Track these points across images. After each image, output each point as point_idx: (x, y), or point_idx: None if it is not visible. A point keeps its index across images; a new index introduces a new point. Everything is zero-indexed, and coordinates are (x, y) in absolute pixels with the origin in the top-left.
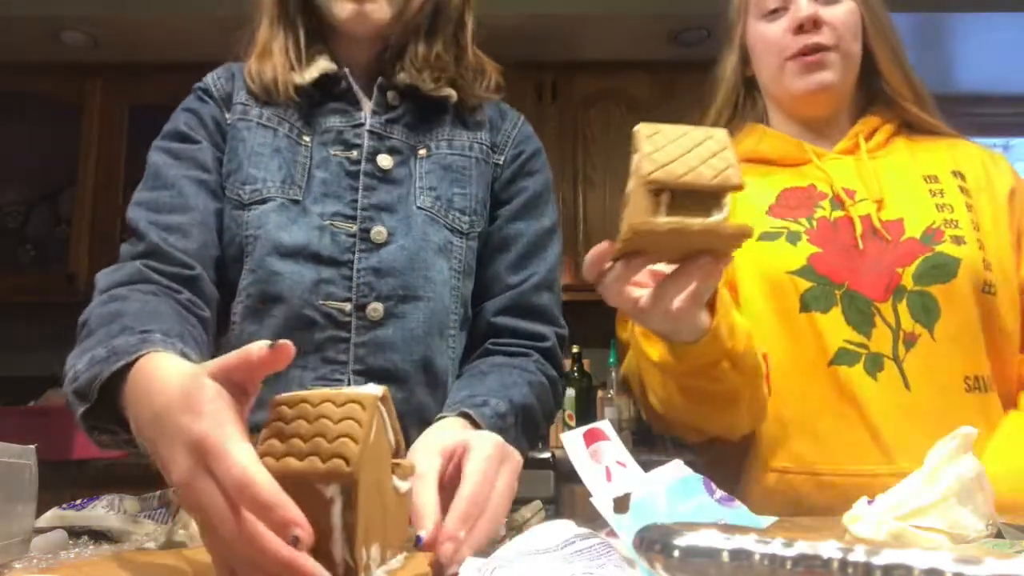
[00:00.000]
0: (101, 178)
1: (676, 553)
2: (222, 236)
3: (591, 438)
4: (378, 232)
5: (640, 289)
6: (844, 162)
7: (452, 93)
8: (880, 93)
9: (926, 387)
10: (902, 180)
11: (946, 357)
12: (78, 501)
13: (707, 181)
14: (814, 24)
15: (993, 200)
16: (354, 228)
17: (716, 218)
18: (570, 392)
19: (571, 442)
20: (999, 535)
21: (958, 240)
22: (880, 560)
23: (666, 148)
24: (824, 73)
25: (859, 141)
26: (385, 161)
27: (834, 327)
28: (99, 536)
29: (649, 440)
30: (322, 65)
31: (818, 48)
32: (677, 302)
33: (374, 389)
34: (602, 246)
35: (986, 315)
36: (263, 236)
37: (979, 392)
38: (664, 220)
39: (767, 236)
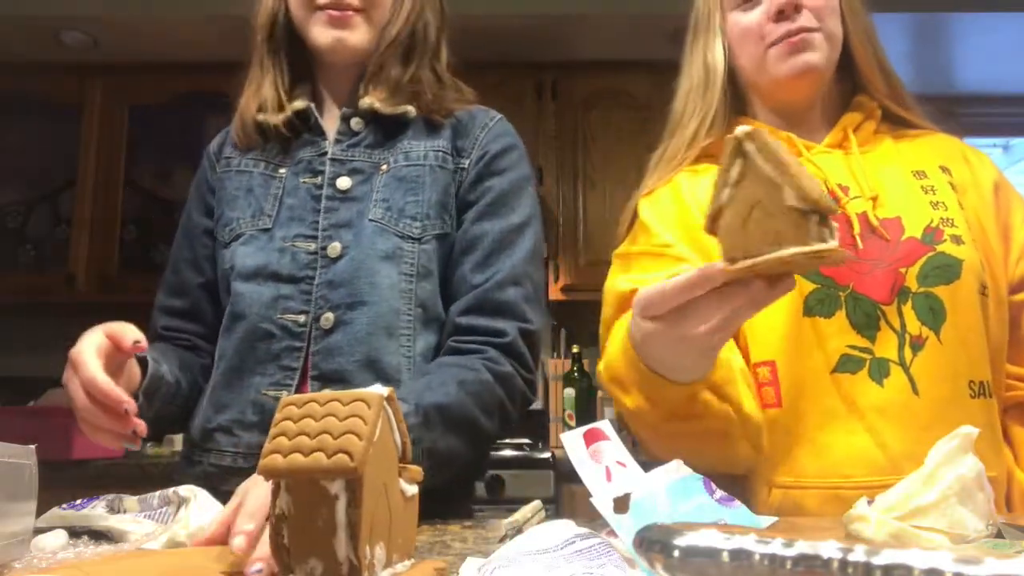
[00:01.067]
0: (101, 178)
1: (676, 553)
2: (216, 279)
3: (591, 438)
4: (333, 248)
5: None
6: (834, 156)
7: (410, 109)
8: (855, 86)
9: (934, 392)
10: (893, 176)
11: (952, 361)
12: (78, 501)
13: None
14: (795, 9)
15: (980, 196)
16: (314, 246)
17: (832, 244)
18: (570, 392)
19: (571, 442)
20: (999, 535)
21: (957, 239)
22: (880, 560)
23: (800, 172)
24: (809, 54)
25: (848, 134)
26: (344, 183)
27: (837, 332)
28: (99, 536)
29: None
30: (296, 105)
31: (801, 30)
32: (705, 328)
33: (380, 389)
34: (713, 268)
35: (986, 318)
36: (235, 266)
37: (984, 398)
38: (812, 248)
39: None
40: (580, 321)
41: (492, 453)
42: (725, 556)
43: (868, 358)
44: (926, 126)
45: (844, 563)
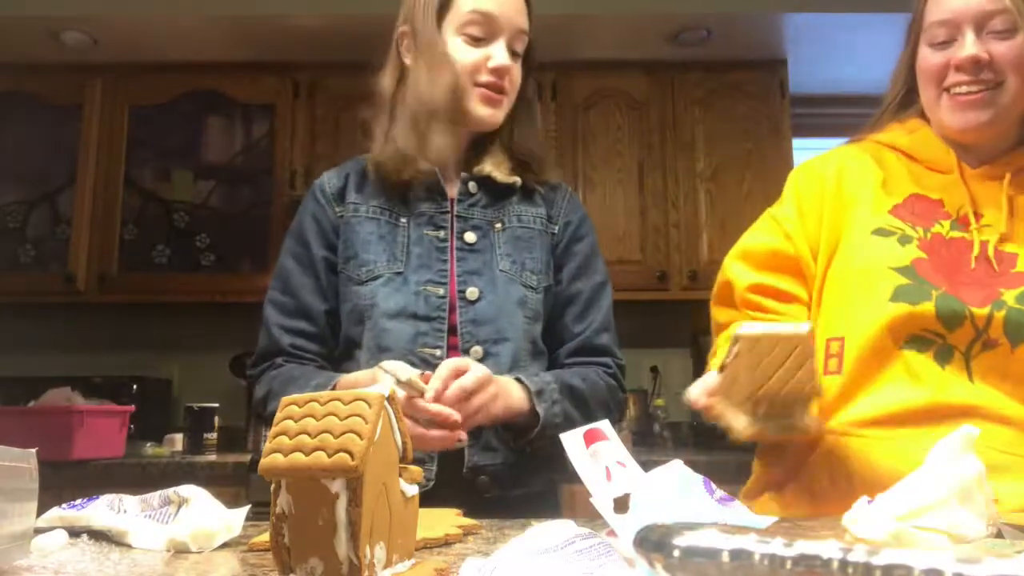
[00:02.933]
0: (101, 178)
1: (676, 553)
2: (338, 309)
3: (591, 438)
4: (472, 292)
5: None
6: (986, 186)
7: (517, 180)
8: None
9: (989, 387)
10: None
11: (1018, 370)
12: (78, 501)
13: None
14: (977, 65)
15: None
16: (443, 291)
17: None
18: None
19: (571, 442)
20: (999, 535)
21: None
22: (880, 560)
23: (763, 364)
24: (978, 113)
25: (1006, 172)
26: (470, 237)
27: (920, 317)
28: (99, 536)
29: (649, 440)
30: (423, 167)
31: (977, 89)
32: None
33: (381, 388)
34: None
35: None
36: (377, 304)
37: None
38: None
39: (881, 232)
40: None
41: None
42: (725, 556)
43: (939, 342)
44: None
45: (844, 563)
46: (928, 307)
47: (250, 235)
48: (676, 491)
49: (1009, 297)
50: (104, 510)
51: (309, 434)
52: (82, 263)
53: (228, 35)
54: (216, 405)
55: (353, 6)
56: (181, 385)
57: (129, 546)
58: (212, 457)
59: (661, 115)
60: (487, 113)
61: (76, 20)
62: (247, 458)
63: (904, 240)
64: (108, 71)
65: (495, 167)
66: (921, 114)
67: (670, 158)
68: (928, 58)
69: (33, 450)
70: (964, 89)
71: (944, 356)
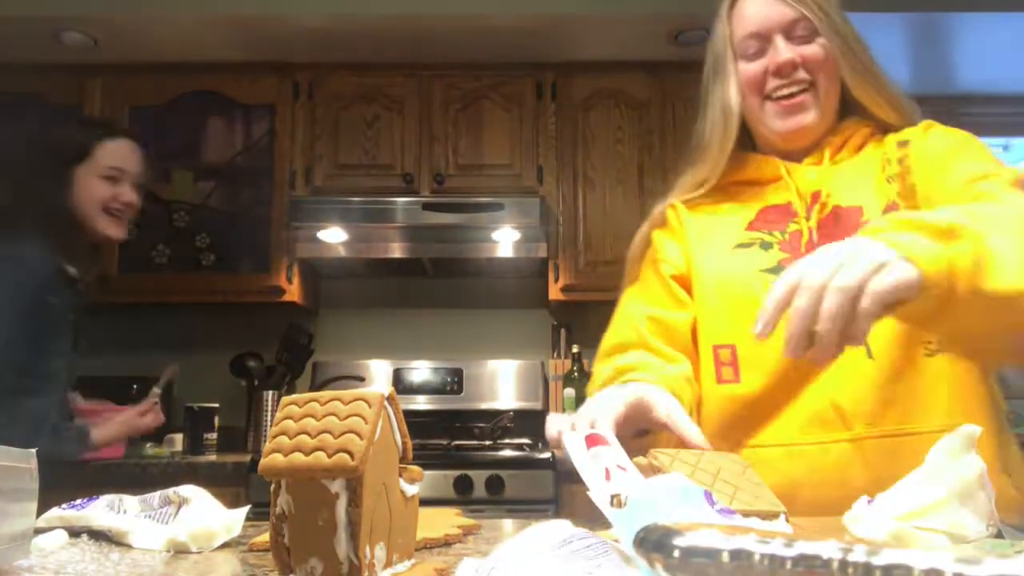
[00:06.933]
0: None
1: (676, 553)
2: None
3: (592, 442)
4: None
5: None
6: (808, 169)
7: None
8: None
9: (887, 355)
10: (864, 173)
11: (905, 327)
12: (78, 501)
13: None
14: (792, 67)
15: (926, 157)
16: None
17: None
18: (570, 392)
19: (571, 443)
20: (999, 535)
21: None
22: (880, 560)
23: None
24: (803, 115)
25: (824, 154)
26: None
27: None
28: (99, 536)
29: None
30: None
31: (797, 89)
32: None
33: (381, 389)
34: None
35: None
36: None
37: (940, 355)
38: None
39: (742, 246)
40: (580, 321)
41: (492, 453)
42: (725, 556)
43: None
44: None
45: (844, 563)
46: None
47: (250, 235)
48: (678, 496)
49: None
50: (104, 510)
51: (309, 434)
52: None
53: (228, 35)
54: (216, 405)
55: (353, 6)
56: (181, 385)
57: (129, 546)
58: (212, 457)
59: (661, 115)
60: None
61: (76, 20)
62: (247, 458)
63: (765, 246)
64: (108, 71)
65: None
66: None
67: (670, 158)
68: (747, 69)
69: (33, 451)
70: (785, 92)
71: None
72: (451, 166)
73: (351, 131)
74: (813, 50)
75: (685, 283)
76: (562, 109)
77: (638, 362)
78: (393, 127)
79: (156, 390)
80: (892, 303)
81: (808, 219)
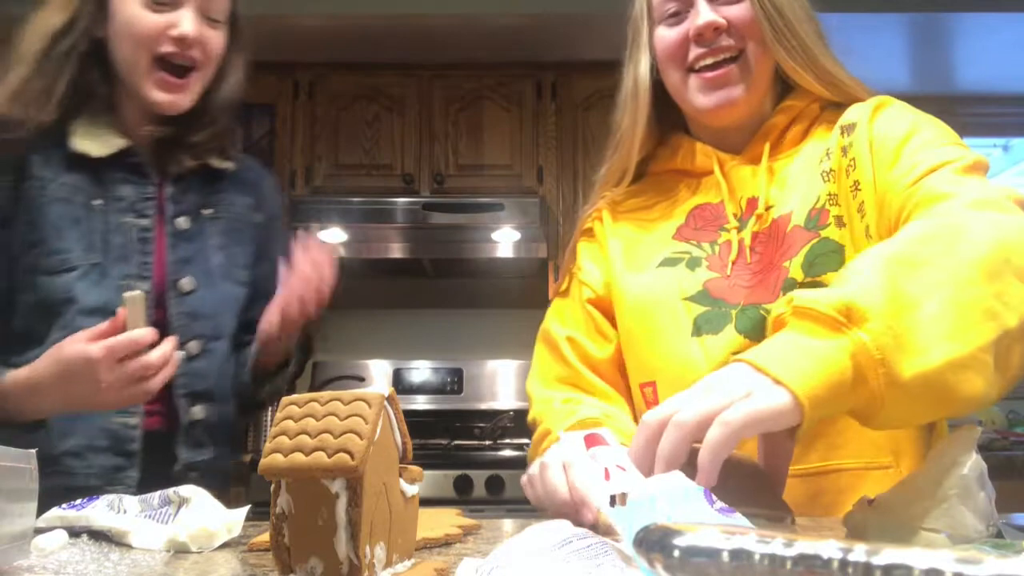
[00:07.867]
0: None
1: (676, 553)
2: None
3: (590, 442)
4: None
5: None
6: (744, 171)
7: (231, 165)
8: (792, 88)
9: None
10: (804, 167)
11: None
12: (78, 501)
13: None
14: (715, 32)
15: (872, 141)
16: (147, 285)
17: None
18: None
19: (570, 442)
20: (999, 535)
21: (839, 222)
22: (880, 560)
23: None
24: (730, 89)
25: (764, 148)
26: (182, 223)
27: (725, 344)
28: (99, 536)
29: None
30: (116, 142)
31: (721, 58)
32: None
33: (381, 389)
34: None
35: None
36: (74, 300)
37: None
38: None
39: (668, 262)
40: None
41: (492, 453)
42: (725, 556)
43: None
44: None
45: (844, 563)
46: (731, 331)
47: None
48: (675, 496)
49: (795, 271)
50: (104, 510)
51: (309, 434)
52: None
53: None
54: None
55: (353, 6)
56: None
57: (129, 546)
58: None
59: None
60: (163, 98)
61: None
62: (247, 458)
63: (693, 264)
64: None
65: (204, 155)
66: (679, 128)
67: None
68: (665, 36)
69: (33, 451)
70: (710, 61)
71: None
72: (451, 166)
73: (351, 131)
74: (739, 11)
75: (606, 308)
76: (562, 109)
77: (601, 415)
78: (393, 127)
79: None
80: (767, 430)
81: (741, 229)
